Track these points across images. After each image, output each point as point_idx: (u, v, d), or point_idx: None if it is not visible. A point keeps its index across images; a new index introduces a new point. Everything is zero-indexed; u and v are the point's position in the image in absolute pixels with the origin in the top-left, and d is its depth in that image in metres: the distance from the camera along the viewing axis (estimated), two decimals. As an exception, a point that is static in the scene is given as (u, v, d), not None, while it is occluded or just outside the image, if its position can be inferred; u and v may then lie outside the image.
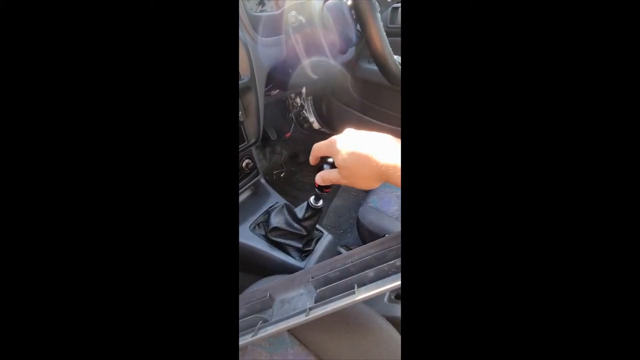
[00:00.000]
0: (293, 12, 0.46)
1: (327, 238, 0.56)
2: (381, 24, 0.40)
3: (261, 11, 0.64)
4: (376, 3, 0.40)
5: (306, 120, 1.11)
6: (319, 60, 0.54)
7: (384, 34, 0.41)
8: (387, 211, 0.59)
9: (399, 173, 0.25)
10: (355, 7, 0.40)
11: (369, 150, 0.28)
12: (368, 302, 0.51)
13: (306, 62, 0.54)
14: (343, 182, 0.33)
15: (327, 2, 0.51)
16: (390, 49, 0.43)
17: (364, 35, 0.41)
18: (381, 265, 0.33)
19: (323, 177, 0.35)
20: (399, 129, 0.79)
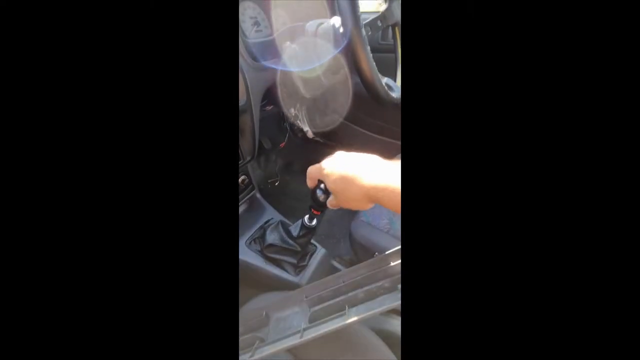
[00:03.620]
0: (287, 43, 0.48)
1: (320, 252, 0.58)
2: (370, 54, 0.42)
3: (256, 31, 0.66)
4: (365, 35, 0.42)
5: (300, 129, 1.13)
6: (312, 78, 0.56)
7: (373, 62, 0.43)
8: (378, 225, 0.62)
9: (385, 194, 0.26)
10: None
11: (356, 173, 0.28)
12: (360, 315, 0.53)
13: (299, 80, 0.56)
14: (341, 205, 0.34)
15: (321, 26, 0.54)
16: (379, 75, 0.46)
17: (354, 64, 0.43)
18: (370, 286, 0.35)
19: (330, 204, 0.37)
20: (389, 139, 0.82)
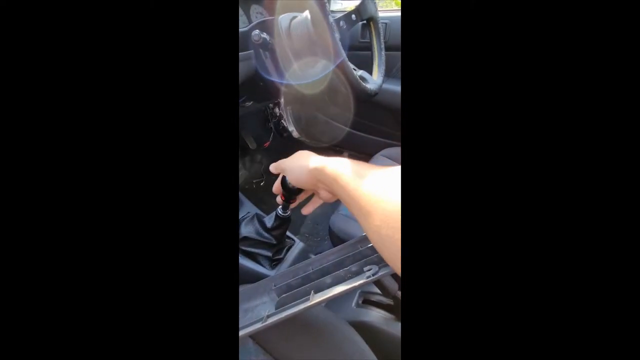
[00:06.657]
0: (256, 31, 0.48)
1: (298, 246, 0.57)
2: (338, 41, 0.43)
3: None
4: (332, 22, 0.42)
5: (285, 129, 1.13)
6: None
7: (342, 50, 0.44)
8: (357, 218, 0.61)
9: (322, 173, 0.31)
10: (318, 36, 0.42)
11: (304, 159, 0.35)
12: (336, 307, 0.52)
13: (275, 76, 0.56)
14: (280, 170, 0.39)
15: (294, 20, 0.54)
16: (350, 67, 0.46)
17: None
18: (338, 271, 0.34)
19: (274, 165, 0.42)
20: (370, 136, 0.82)
